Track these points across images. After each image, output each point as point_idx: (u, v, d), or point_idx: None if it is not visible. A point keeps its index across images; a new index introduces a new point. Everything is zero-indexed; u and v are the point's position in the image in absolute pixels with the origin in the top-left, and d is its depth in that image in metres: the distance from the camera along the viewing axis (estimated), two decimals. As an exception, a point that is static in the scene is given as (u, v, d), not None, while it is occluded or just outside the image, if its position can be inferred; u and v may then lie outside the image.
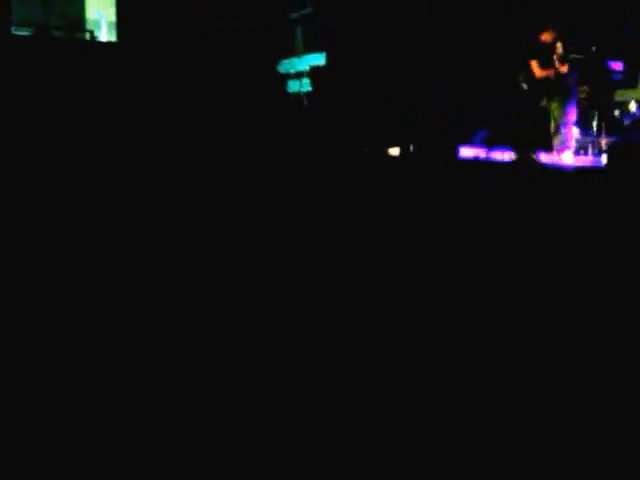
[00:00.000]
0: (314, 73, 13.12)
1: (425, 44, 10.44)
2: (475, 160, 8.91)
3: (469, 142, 9.27)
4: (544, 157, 8.22)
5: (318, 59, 13.05)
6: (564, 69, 8.08)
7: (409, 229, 4.76)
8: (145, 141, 10.27)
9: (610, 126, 7.88)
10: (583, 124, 8.21)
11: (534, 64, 8.30)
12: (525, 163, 8.01)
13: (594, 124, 8.04)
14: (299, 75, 13.77)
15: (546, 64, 8.22)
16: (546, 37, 8.16)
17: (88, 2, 12.26)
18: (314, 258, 3.88)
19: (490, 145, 8.94)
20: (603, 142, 7.78)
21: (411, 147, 10.29)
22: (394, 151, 10.39)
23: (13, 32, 11.09)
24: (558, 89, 8.08)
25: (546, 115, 8.15)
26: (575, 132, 8.22)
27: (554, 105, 8.13)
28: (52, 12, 11.76)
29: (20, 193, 5.65)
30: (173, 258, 3.82)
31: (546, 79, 8.12)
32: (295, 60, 13.91)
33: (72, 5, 12.03)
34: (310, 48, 13.38)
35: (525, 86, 8.35)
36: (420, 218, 5.21)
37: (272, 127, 12.37)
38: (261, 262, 3.78)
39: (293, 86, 14.01)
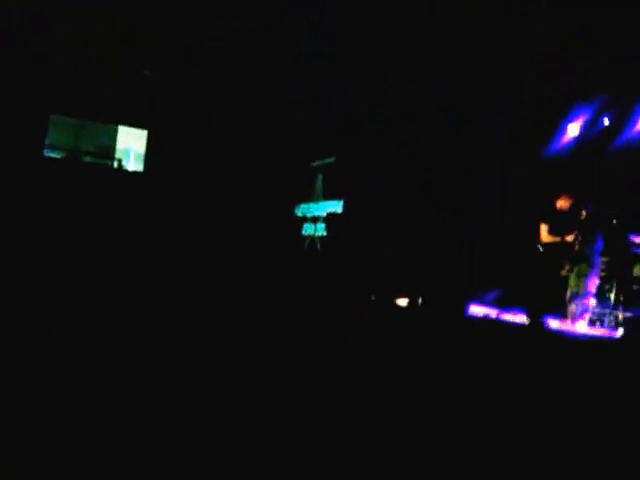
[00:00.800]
0: (330, 219, 13.14)
1: (439, 198, 10.43)
2: (484, 319, 8.52)
3: (480, 300, 8.93)
4: (556, 324, 7.82)
5: (335, 206, 13.12)
6: (569, 238, 7.86)
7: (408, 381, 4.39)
8: (153, 269, 10.09)
9: (628, 299, 7.51)
10: (601, 295, 7.85)
11: (543, 228, 8.12)
12: (536, 328, 7.59)
13: (612, 296, 7.69)
14: (315, 219, 13.80)
15: (556, 230, 8.02)
16: (562, 204, 8.01)
17: (120, 133, 12.55)
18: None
19: (502, 306, 8.58)
20: (620, 315, 7.39)
21: (419, 299, 9.95)
22: (402, 302, 10.05)
23: (45, 154, 11.30)
24: (574, 257, 7.81)
25: (564, 281, 7.83)
26: (592, 302, 7.85)
27: (571, 273, 7.83)
28: (84, 139, 12.01)
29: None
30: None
31: (561, 245, 7.89)
32: (313, 205, 14.01)
33: (104, 134, 12.30)
34: (329, 195, 13.51)
35: (541, 249, 8.09)
36: (421, 373, 4.85)
37: (284, 268, 12.21)
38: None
39: (308, 229, 14.03)
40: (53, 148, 11.45)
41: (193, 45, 11.21)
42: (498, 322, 8.23)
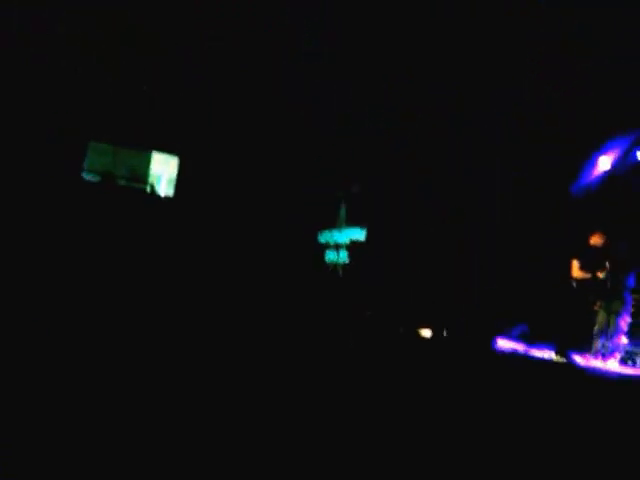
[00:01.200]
0: (353, 246, 13.21)
1: (461, 224, 10.43)
2: (511, 354, 8.48)
3: (507, 334, 8.89)
4: (583, 361, 7.78)
5: (358, 234, 13.18)
6: (601, 274, 7.83)
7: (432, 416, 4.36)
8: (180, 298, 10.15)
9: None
10: (632, 333, 7.80)
11: (575, 264, 8.08)
12: (565, 364, 7.56)
13: (645, 335, 7.65)
14: (337, 247, 13.85)
15: (588, 266, 7.98)
16: (595, 240, 7.98)
17: (153, 159, 12.76)
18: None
19: (529, 341, 8.54)
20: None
21: (444, 330, 9.90)
22: (426, 332, 10.00)
23: (84, 177, 11.54)
24: (606, 293, 7.78)
25: (593, 317, 7.80)
26: (624, 341, 7.80)
27: (601, 309, 7.80)
28: (120, 163, 12.23)
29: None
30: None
31: (592, 281, 7.86)
32: (336, 232, 14.07)
33: (138, 159, 12.52)
34: (352, 223, 13.58)
35: (574, 285, 8.07)
36: (443, 405, 4.82)
37: (306, 293, 12.24)
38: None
39: (330, 256, 14.07)
40: (91, 171, 11.68)
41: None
42: (525, 357, 8.19)
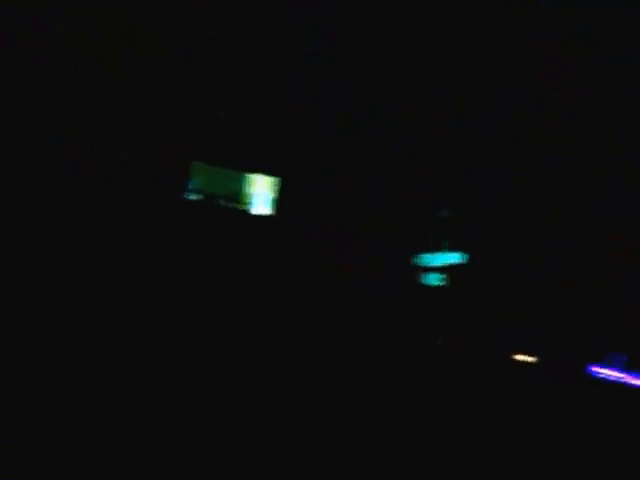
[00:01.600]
0: (452, 270, 13.06)
1: (559, 249, 10.10)
2: (609, 382, 8.05)
3: (604, 363, 8.46)
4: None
5: (457, 257, 13.03)
6: None
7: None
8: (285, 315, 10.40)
9: None
10: None
11: None
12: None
13: None
14: (436, 270, 13.74)
15: None
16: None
17: (254, 179, 13.18)
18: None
19: (627, 369, 8.09)
20: None
21: (540, 356, 9.57)
22: (522, 357, 9.72)
23: (187, 197, 12.12)
24: None
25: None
26: None
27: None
28: (220, 184, 12.74)
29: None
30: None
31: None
32: (435, 255, 13.98)
33: (238, 180, 12.99)
34: (451, 246, 13.44)
35: None
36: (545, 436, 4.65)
37: (402, 314, 12.19)
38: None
39: (431, 279, 13.95)
40: (193, 192, 12.26)
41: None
42: (622, 385, 7.77)
